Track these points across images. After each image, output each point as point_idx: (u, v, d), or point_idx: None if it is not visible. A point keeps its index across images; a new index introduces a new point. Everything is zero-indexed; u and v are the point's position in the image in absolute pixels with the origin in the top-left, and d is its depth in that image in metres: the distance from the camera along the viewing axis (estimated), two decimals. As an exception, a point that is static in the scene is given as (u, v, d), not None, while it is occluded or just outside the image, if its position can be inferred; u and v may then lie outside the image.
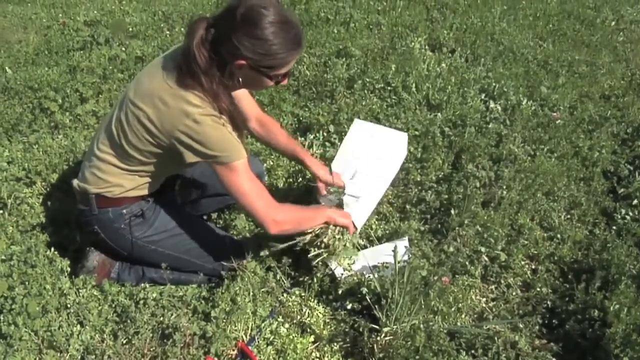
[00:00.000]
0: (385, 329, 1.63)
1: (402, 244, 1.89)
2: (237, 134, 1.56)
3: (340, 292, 1.78)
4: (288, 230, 1.73)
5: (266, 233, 1.69)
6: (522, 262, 2.05)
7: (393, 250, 1.68)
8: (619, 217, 2.30)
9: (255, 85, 1.60)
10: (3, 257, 1.80)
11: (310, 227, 1.78)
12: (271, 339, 1.70)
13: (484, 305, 1.92)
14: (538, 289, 1.94)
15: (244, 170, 1.58)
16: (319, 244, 1.80)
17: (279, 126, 2.06)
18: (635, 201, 2.36)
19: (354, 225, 1.88)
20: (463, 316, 1.84)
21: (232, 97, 1.57)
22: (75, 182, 1.75)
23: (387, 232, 2.12)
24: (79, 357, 1.61)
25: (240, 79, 1.54)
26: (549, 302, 1.88)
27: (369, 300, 1.70)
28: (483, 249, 2.00)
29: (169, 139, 1.53)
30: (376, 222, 2.17)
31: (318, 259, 1.79)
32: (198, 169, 2.01)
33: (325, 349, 1.69)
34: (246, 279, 1.79)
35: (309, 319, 1.78)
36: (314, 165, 1.99)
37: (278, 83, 1.57)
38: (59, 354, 1.60)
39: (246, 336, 1.70)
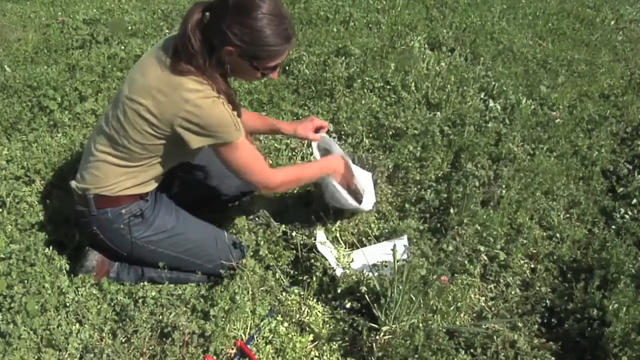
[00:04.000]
0: (384, 328, 1.63)
1: (401, 243, 1.89)
2: (237, 113, 1.58)
3: (339, 291, 1.78)
4: (289, 188, 1.94)
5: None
6: (521, 261, 2.05)
7: (392, 249, 1.69)
8: (618, 216, 2.30)
9: (243, 74, 1.61)
10: (2, 256, 1.80)
11: (309, 180, 1.94)
12: (270, 337, 1.70)
13: (483, 304, 1.92)
14: (537, 288, 1.94)
15: (245, 146, 1.62)
16: None
17: (246, 111, 2.10)
18: (634, 200, 2.36)
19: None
20: (462, 315, 1.84)
21: (228, 82, 1.58)
22: (73, 183, 1.74)
23: (386, 231, 2.12)
24: (78, 356, 1.61)
25: (229, 67, 1.55)
26: (548, 301, 1.88)
27: (368, 299, 1.70)
28: (482, 248, 2.00)
29: (171, 127, 1.53)
30: (375, 221, 2.17)
31: None
32: (197, 168, 2.02)
33: (324, 347, 1.69)
34: (245, 278, 1.79)
35: (308, 317, 1.78)
36: (292, 129, 2.06)
37: (265, 75, 1.59)
38: (57, 353, 1.60)
39: (245, 335, 1.70)
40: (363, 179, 2.08)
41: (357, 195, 2.02)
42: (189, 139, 1.55)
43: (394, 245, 1.69)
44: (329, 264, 1.84)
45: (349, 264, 1.84)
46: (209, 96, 1.49)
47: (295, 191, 2.35)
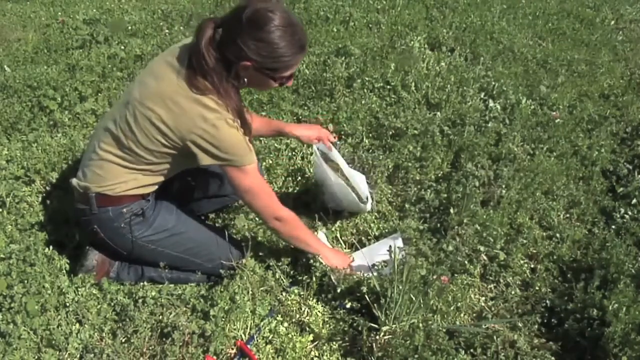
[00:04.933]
0: (384, 328, 1.63)
1: (397, 242, 1.90)
2: (247, 131, 1.60)
3: (339, 291, 1.78)
4: (290, 232, 1.78)
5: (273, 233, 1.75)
6: (521, 261, 2.05)
7: (388, 250, 1.69)
8: (618, 216, 2.30)
9: (260, 85, 1.63)
10: (2, 256, 1.80)
11: (304, 246, 1.82)
12: (270, 337, 1.70)
13: (483, 304, 1.92)
14: (537, 288, 1.95)
15: (254, 173, 1.63)
16: None
17: (251, 113, 2.10)
18: (634, 200, 2.36)
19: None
20: (462, 315, 1.84)
21: (240, 96, 1.60)
22: (74, 181, 1.74)
23: (386, 231, 2.12)
24: (78, 356, 1.61)
25: (246, 80, 1.56)
26: (548, 301, 1.88)
27: (368, 299, 1.70)
28: (482, 248, 2.00)
29: (184, 141, 1.54)
30: (375, 221, 2.17)
31: None
32: (197, 169, 2.02)
33: (324, 347, 1.69)
34: (245, 278, 1.79)
35: (308, 317, 1.78)
36: (295, 130, 2.06)
37: (282, 84, 1.62)
38: (57, 353, 1.60)
39: (245, 335, 1.70)
40: (359, 179, 2.08)
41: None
42: (200, 157, 1.56)
43: (389, 246, 1.69)
44: (326, 267, 1.84)
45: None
46: (226, 118, 1.51)
47: (295, 190, 2.35)
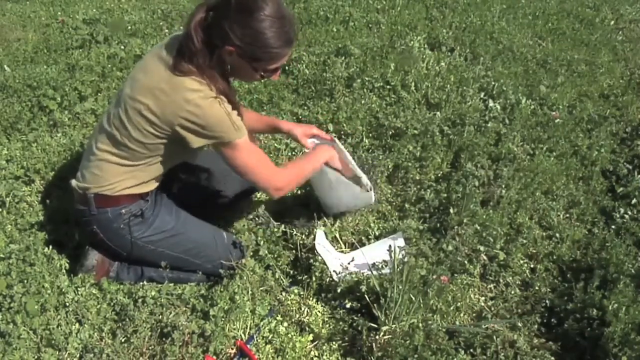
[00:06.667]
0: (384, 328, 1.63)
1: (398, 242, 1.90)
2: (237, 113, 1.59)
3: (339, 290, 1.78)
4: (294, 187, 1.93)
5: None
6: (521, 261, 2.05)
7: (388, 250, 1.69)
8: (618, 216, 2.30)
9: (243, 75, 1.61)
10: (2, 255, 1.80)
11: (313, 172, 1.91)
12: (270, 337, 1.70)
13: (482, 304, 1.92)
14: (537, 288, 1.94)
15: (246, 147, 1.62)
16: None
17: (246, 108, 2.09)
18: (634, 200, 2.36)
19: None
20: (462, 315, 1.84)
21: (229, 82, 1.59)
22: (73, 182, 1.74)
23: (386, 230, 2.12)
24: (78, 356, 1.61)
25: (229, 66, 1.55)
26: (547, 301, 1.88)
27: (367, 299, 1.70)
28: (482, 248, 2.00)
29: (171, 127, 1.53)
30: (375, 221, 2.17)
31: None
32: (197, 169, 2.01)
33: (324, 347, 1.70)
34: (245, 278, 1.79)
35: (307, 317, 1.78)
36: (290, 127, 2.05)
37: (264, 78, 1.60)
38: (57, 353, 1.60)
39: (245, 335, 1.70)
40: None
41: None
42: (189, 139, 1.55)
43: (389, 246, 1.69)
44: (327, 268, 1.84)
45: (347, 266, 1.84)
46: (208, 96, 1.50)
47: (294, 190, 2.35)
